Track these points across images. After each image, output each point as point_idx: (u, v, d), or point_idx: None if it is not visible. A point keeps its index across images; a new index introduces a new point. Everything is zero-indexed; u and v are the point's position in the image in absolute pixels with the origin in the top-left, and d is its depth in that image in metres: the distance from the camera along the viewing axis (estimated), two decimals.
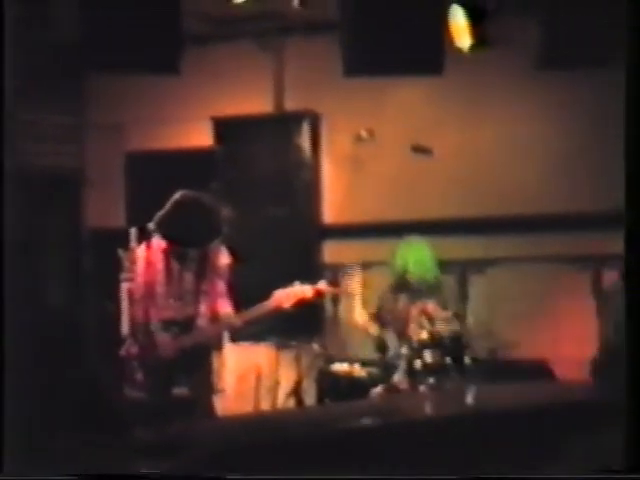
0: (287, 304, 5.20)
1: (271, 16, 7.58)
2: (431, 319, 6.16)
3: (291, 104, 8.01)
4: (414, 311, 6.30)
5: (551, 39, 5.62)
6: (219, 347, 5.43)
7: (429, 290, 6.37)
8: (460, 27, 5.80)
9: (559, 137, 7.46)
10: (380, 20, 5.78)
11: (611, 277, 6.75)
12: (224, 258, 5.26)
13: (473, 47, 5.82)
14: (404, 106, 7.57)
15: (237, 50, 7.97)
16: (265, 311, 5.18)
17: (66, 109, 8.23)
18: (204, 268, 5.19)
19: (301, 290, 5.24)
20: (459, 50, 5.87)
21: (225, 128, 7.98)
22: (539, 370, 6.98)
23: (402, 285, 6.44)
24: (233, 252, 5.32)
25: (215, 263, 5.22)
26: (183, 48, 5.84)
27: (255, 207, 7.75)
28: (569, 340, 7.13)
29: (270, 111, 8.07)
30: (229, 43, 7.99)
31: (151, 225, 5.05)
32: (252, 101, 8.04)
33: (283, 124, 7.95)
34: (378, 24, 5.78)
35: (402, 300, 6.43)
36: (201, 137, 8.03)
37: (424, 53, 5.74)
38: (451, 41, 5.85)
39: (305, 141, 7.82)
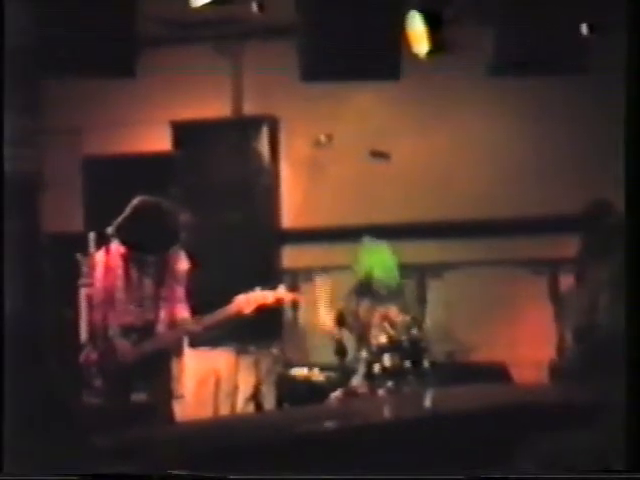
0: (247, 310, 5.20)
1: (230, 20, 7.57)
2: (392, 323, 6.19)
3: (250, 108, 8.00)
4: (375, 315, 6.32)
5: (504, 47, 5.68)
6: (178, 353, 5.41)
7: (391, 294, 6.39)
8: (418, 33, 5.83)
9: (514, 142, 7.54)
10: (338, 25, 5.80)
11: (567, 281, 6.82)
12: (183, 263, 5.25)
13: (430, 53, 5.86)
14: (362, 111, 7.60)
15: (196, 54, 7.94)
16: (225, 316, 5.18)
17: (23, 113, 8.16)
18: (163, 274, 5.18)
19: (262, 296, 5.25)
20: (416, 56, 5.91)
21: (183, 132, 7.94)
22: (497, 373, 7.04)
23: (364, 289, 6.45)
24: (192, 257, 5.32)
25: (174, 268, 5.21)
26: (141, 51, 5.82)
27: (214, 212, 7.73)
28: (526, 343, 7.20)
29: (229, 115, 8.06)
30: (188, 47, 7.96)
31: (110, 230, 5.03)
32: (211, 105, 8.02)
33: (242, 128, 7.94)
34: (336, 29, 5.80)
35: (363, 304, 6.45)
36: (159, 141, 7.99)
37: (382, 58, 5.77)
38: (408, 47, 5.89)
39: (264, 146, 7.82)
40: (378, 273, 6.36)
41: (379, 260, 6.40)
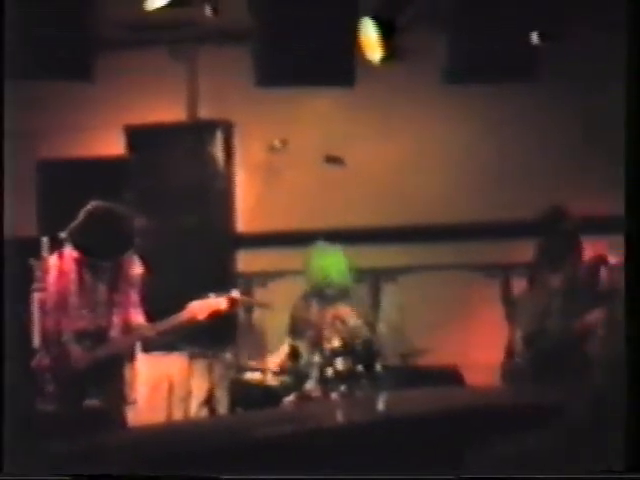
0: (201, 316, 5.21)
1: (185, 24, 7.55)
2: (344, 323, 6.21)
3: (205, 113, 7.99)
4: (327, 319, 6.34)
5: (457, 53, 5.75)
6: (131, 358, 5.39)
7: (342, 298, 6.42)
8: (371, 40, 5.87)
9: (468, 147, 7.61)
10: (293, 31, 5.84)
11: (519, 284, 6.89)
12: (137, 268, 5.24)
13: (383, 60, 5.89)
14: (317, 116, 7.63)
15: (151, 58, 7.91)
16: (179, 322, 5.18)
17: None
18: (117, 278, 5.17)
19: (216, 302, 5.27)
20: (370, 62, 5.94)
21: (138, 136, 7.91)
22: (450, 376, 7.09)
23: (316, 293, 6.47)
24: (146, 262, 5.31)
25: (128, 273, 5.20)
26: (97, 55, 5.80)
27: (168, 216, 7.69)
28: (479, 346, 7.26)
29: (184, 120, 8.05)
30: (143, 51, 7.93)
31: (63, 234, 5.01)
32: (166, 109, 8.00)
33: (197, 133, 7.93)
34: (291, 35, 5.83)
35: (315, 308, 6.47)
36: (114, 145, 7.95)
37: (335, 64, 5.82)
38: (362, 53, 5.92)
39: (219, 150, 7.81)
40: (332, 277, 6.38)
41: (333, 264, 6.42)
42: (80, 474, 3.45)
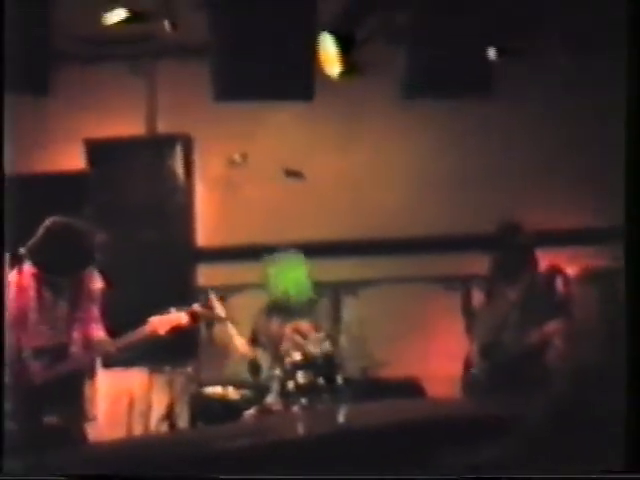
0: (162, 330, 5.20)
1: (143, 39, 7.55)
2: (305, 337, 6.22)
3: (164, 127, 7.98)
4: (288, 332, 6.34)
5: (415, 69, 5.79)
6: (92, 374, 5.36)
7: (303, 311, 6.42)
8: (330, 55, 5.90)
9: (427, 161, 7.67)
10: (251, 46, 5.85)
11: (478, 296, 6.94)
12: (97, 283, 5.22)
13: (342, 74, 5.92)
14: (276, 131, 7.63)
15: (110, 72, 7.88)
16: (140, 337, 5.16)
17: None
18: (77, 294, 5.14)
19: (176, 317, 5.26)
20: (329, 77, 5.97)
21: (97, 151, 7.85)
22: (410, 388, 7.13)
23: (277, 306, 6.48)
24: (106, 277, 5.30)
25: (88, 288, 5.18)
26: (55, 69, 5.78)
27: (128, 231, 7.66)
28: (439, 358, 7.30)
29: (143, 134, 8.03)
30: (102, 65, 7.90)
31: (22, 250, 4.98)
32: (125, 124, 7.97)
33: (156, 147, 7.91)
34: (249, 50, 5.85)
35: (276, 321, 6.47)
36: (73, 160, 7.91)
37: (295, 79, 5.84)
38: (322, 68, 5.95)
39: (178, 164, 7.79)
40: (292, 290, 6.39)
41: (293, 277, 6.43)
42: (80, 474, 3.43)
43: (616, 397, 3.13)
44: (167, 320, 5.21)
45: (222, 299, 6.58)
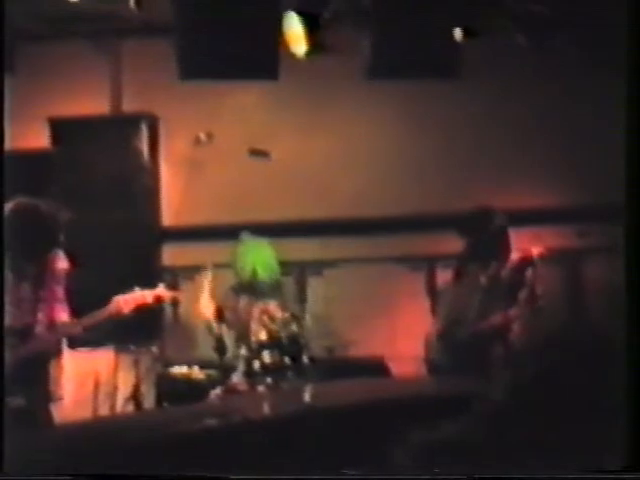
0: (127, 309, 5.19)
1: (107, 17, 7.48)
2: (272, 318, 6.24)
3: (129, 106, 7.93)
4: (255, 312, 6.35)
5: (380, 50, 5.79)
6: (57, 354, 5.34)
7: (270, 291, 6.43)
8: (295, 34, 5.88)
9: (392, 141, 7.68)
10: (216, 24, 5.82)
11: (444, 276, 6.97)
12: (62, 264, 5.19)
13: (308, 54, 5.91)
14: (242, 110, 7.60)
15: (74, 50, 7.81)
16: (105, 317, 5.15)
17: None
18: (42, 275, 5.11)
19: (141, 295, 5.25)
20: (294, 56, 5.96)
21: (62, 129, 7.79)
22: (375, 367, 7.16)
23: (243, 286, 6.48)
24: (71, 257, 5.27)
25: (53, 269, 5.15)
26: (18, 47, 5.72)
27: (93, 211, 7.61)
28: (404, 337, 7.33)
29: (107, 113, 7.98)
30: (65, 43, 7.83)
31: None
32: (89, 103, 7.91)
33: (121, 126, 7.85)
34: (214, 28, 5.82)
35: (243, 301, 6.48)
36: (37, 139, 7.84)
37: (259, 58, 5.82)
38: (287, 47, 5.93)
39: (143, 144, 7.73)
40: (258, 270, 6.39)
41: (259, 257, 6.44)
42: (80, 474, 3.43)
43: (583, 376, 3.16)
44: (131, 299, 5.20)
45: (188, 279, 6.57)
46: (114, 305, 5.17)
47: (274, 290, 6.43)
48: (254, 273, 6.40)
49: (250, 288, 6.43)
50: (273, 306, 6.33)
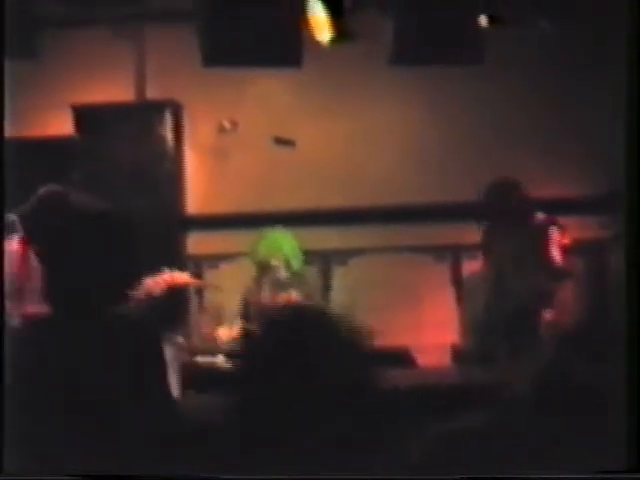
0: (157, 290, 5.14)
1: (131, 3, 7.44)
2: None
3: (153, 93, 7.89)
4: (279, 302, 6.31)
5: (404, 35, 5.74)
6: None
7: (294, 281, 6.39)
8: (319, 20, 5.84)
9: (417, 129, 7.62)
10: (239, 11, 5.78)
11: (469, 266, 6.92)
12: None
13: (333, 41, 5.87)
14: (266, 97, 7.56)
15: (97, 37, 7.77)
16: (136, 300, 5.11)
17: None
18: None
19: (170, 276, 5.21)
20: (319, 43, 5.91)
21: (85, 117, 7.78)
22: (400, 357, 7.11)
23: (267, 276, 6.43)
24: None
25: None
26: (42, 33, 5.69)
27: (117, 198, 7.56)
28: (430, 328, 7.29)
29: (131, 100, 7.95)
30: (89, 30, 7.80)
31: (12, 217, 4.91)
32: (113, 89, 7.89)
33: (145, 113, 7.82)
34: (237, 15, 5.78)
35: (267, 292, 6.44)
36: (61, 126, 7.82)
37: (283, 45, 5.77)
38: (311, 34, 5.89)
39: (167, 131, 7.70)
40: (281, 260, 6.34)
41: (282, 247, 6.39)
42: (80, 474, 3.40)
43: (607, 374, 3.09)
44: (162, 280, 5.15)
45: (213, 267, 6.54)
46: (144, 287, 5.12)
47: (297, 280, 6.38)
48: (276, 263, 6.34)
49: (273, 278, 6.39)
50: (297, 297, 6.28)
